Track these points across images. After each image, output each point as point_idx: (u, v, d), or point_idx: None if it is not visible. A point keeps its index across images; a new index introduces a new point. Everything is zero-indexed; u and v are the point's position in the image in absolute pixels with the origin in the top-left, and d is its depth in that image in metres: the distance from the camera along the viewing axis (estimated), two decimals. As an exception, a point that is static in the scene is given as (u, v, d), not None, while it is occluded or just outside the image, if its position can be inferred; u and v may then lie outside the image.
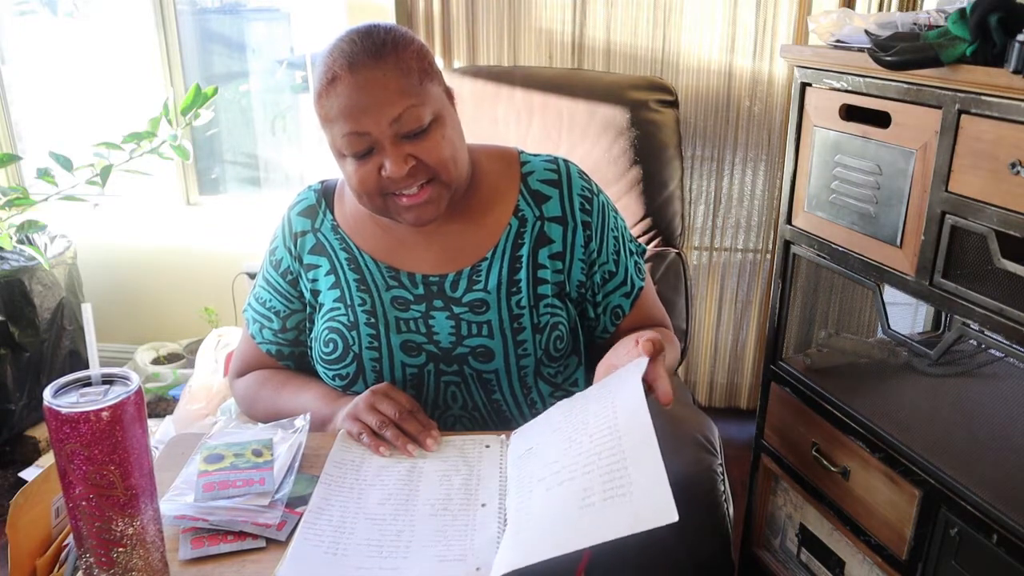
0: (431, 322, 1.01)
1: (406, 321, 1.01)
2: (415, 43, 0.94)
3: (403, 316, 1.01)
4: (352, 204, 1.07)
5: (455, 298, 1.01)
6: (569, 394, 1.07)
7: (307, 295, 1.07)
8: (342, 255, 1.04)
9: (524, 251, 1.02)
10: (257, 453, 0.89)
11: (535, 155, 1.08)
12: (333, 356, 1.02)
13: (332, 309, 1.03)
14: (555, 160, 1.07)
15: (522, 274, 1.02)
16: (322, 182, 1.10)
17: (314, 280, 1.05)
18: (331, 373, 1.03)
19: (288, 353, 1.10)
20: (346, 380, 1.02)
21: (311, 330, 1.08)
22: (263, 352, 1.11)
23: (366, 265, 1.03)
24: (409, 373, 1.01)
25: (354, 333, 1.01)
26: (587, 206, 1.04)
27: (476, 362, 1.00)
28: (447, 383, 1.01)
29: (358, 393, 0.99)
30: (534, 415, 1.02)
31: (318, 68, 0.93)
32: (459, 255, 1.03)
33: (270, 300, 1.09)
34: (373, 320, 1.01)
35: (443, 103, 0.96)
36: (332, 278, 1.04)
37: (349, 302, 1.02)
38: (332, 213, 1.07)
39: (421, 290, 1.02)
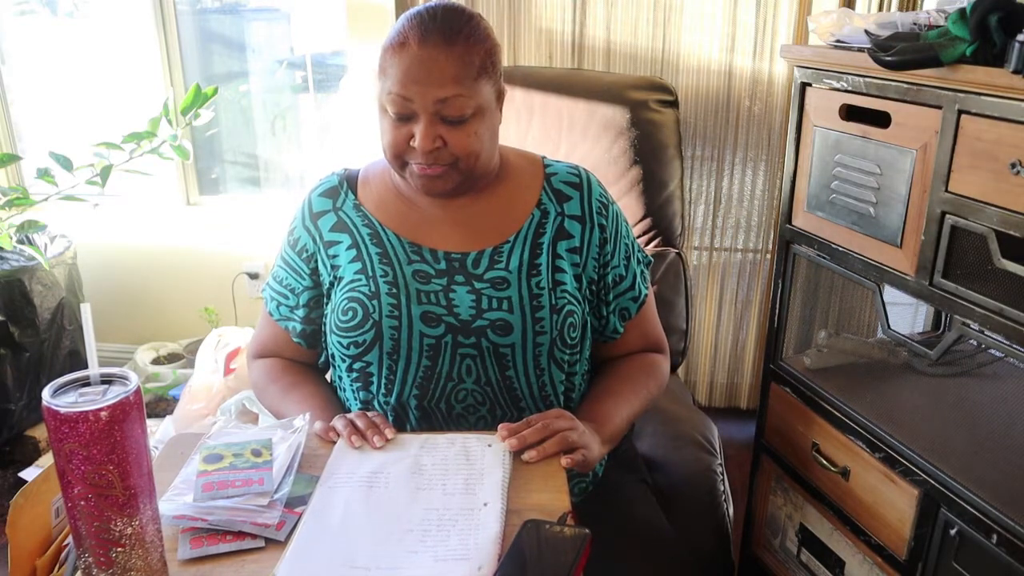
0: (452, 295, 1.04)
1: (427, 293, 1.04)
2: (488, 42, 0.99)
3: (424, 288, 1.04)
4: (377, 185, 1.11)
5: (477, 275, 1.05)
6: (575, 387, 1.09)
7: (325, 273, 1.09)
8: (364, 231, 1.08)
9: (545, 239, 1.07)
10: (256, 453, 0.89)
11: (557, 161, 1.14)
12: (351, 323, 1.04)
13: (353, 280, 1.06)
14: (576, 167, 1.13)
15: (542, 259, 1.06)
16: (345, 168, 1.15)
17: (334, 256, 1.08)
18: (346, 341, 1.04)
19: (300, 331, 1.13)
20: (361, 347, 1.03)
21: (327, 306, 1.10)
22: (281, 328, 1.15)
23: (388, 240, 1.07)
24: (426, 344, 1.03)
25: (375, 302, 1.03)
26: (604, 211, 1.10)
27: (494, 335, 1.02)
28: (463, 355, 1.03)
29: (370, 363, 1.04)
30: (544, 397, 1.05)
31: (395, 25, 1.00)
32: (482, 236, 1.07)
33: (286, 278, 1.13)
34: (395, 291, 1.04)
35: (489, 101, 1.01)
36: (353, 252, 1.07)
37: (371, 273, 1.05)
38: (355, 195, 1.11)
39: (443, 265, 1.05)
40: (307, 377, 1.14)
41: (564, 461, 0.91)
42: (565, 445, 0.93)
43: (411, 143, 0.98)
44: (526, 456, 0.91)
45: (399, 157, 1.01)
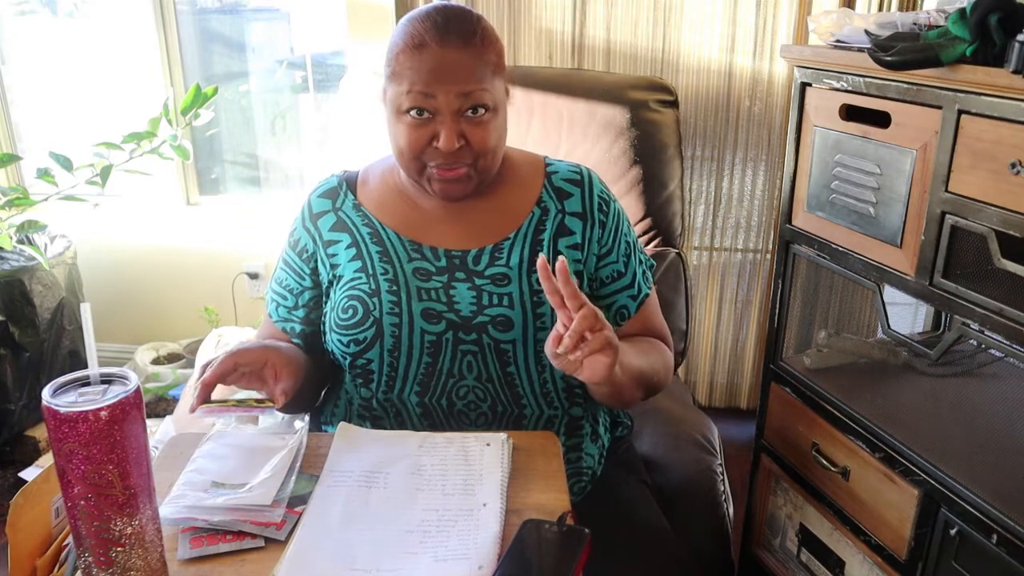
0: (452, 292, 1.04)
1: (427, 291, 1.04)
2: (499, 43, 1.03)
3: (424, 286, 1.05)
4: (377, 185, 1.12)
5: (477, 271, 1.05)
6: (576, 384, 1.08)
7: (325, 272, 1.10)
8: (364, 230, 1.08)
9: (545, 236, 1.07)
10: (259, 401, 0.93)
11: (559, 161, 1.15)
12: (351, 321, 1.04)
13: (353, 279, 1.06)
14: (578, 166, 1.14)
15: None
16: (344, 170, 1.16)
17: (333, 255, 1.09)
18: (346, 339, 1.04)
19: (299, 331, 1.13)
20: (361, 345, 1.04)
21: (326, 304, 1.10)
22: (278, 329, 1.15)
23: (388, 238, 1.07)
24: (427, 340, 1.03)
25: (375, 299, 1.04)
26: (604, 207, 1.11)
27: (495, 331, 1.03)
28: (464, 352, 1.03)
29: (371, 360, 1.04)
30: (545, 394, 1.05)
31: (402, 28, 1.00)
32: (482, 234, 1.07)
33: (286, 279, 1.14)
34: (395, 288, 1.04)
35: (503, 99, 1.04)
36: (353, 251, 1.08)
37: (371, 271, 1.06)
38: (354, 195, 1.12)
39: (444, 263, 1.06)
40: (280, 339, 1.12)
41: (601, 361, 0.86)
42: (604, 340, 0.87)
43: (433, 143, 0.98)
44: (563, 349, 0.85)
45: (418, 159, 1.00)
